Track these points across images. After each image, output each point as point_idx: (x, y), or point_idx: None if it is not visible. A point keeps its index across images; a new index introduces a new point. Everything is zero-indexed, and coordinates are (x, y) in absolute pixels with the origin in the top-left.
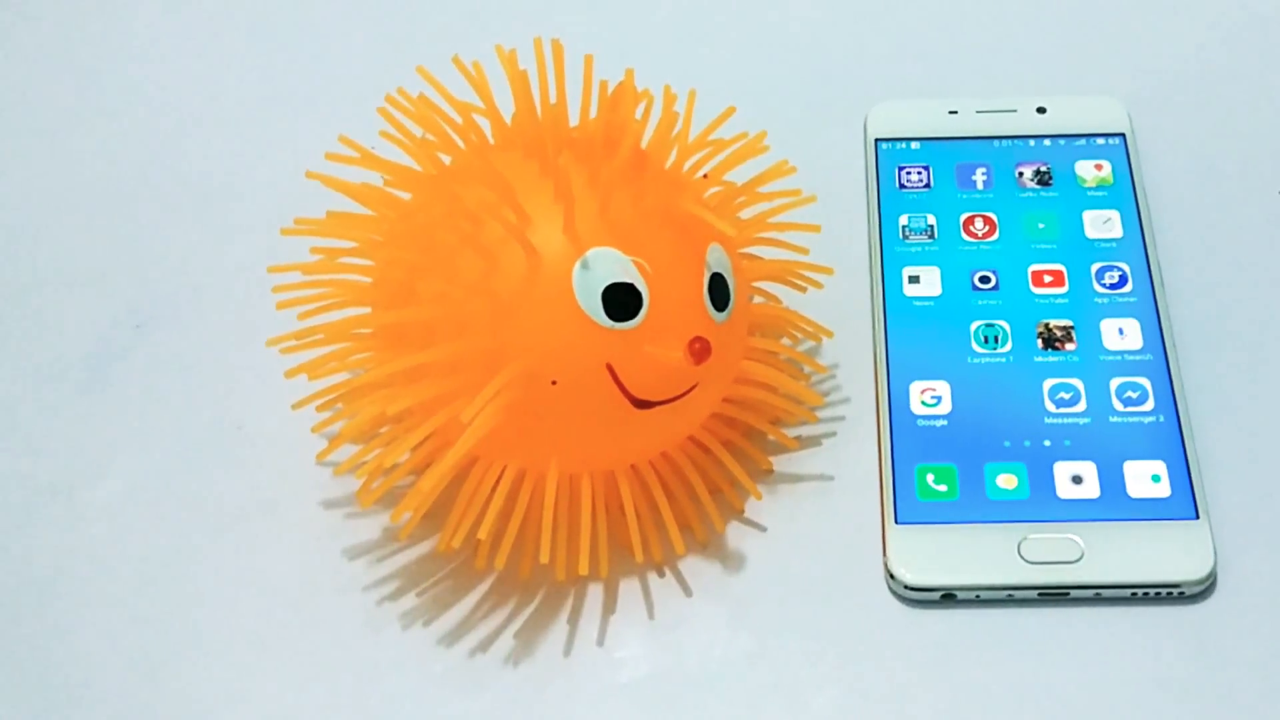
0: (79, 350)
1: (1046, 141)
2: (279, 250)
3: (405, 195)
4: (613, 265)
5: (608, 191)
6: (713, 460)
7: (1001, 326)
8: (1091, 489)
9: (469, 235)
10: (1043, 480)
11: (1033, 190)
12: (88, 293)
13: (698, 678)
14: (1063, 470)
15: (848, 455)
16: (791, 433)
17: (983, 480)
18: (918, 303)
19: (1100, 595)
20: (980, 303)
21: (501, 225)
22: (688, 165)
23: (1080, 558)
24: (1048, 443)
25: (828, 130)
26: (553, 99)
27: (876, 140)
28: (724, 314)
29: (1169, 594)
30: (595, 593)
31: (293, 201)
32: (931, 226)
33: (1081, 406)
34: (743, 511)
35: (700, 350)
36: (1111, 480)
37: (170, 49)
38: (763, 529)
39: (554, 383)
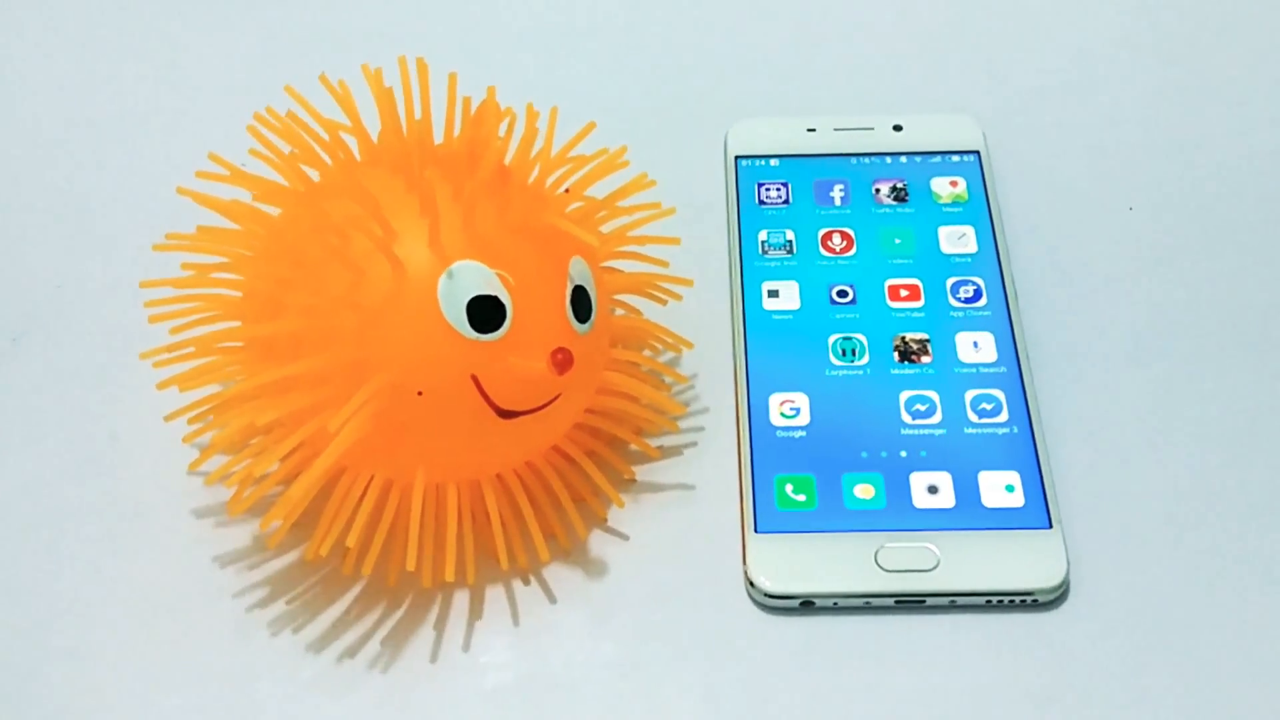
0: None
1: (903, 159)
2: (151, 265)
3: (274, 211)
4: (477, 278)
5: (471, 206)
6: (576, 469)
7: (859, 340)
8: (947, 499)
9: (336, 249)
10: (899, 490)
11: (889, 206)
12: None
13: (562, 683)
14: (919, 480)
15: (708, 465)
16: (653, 442)
17: (840, 490)
18: (777, 316)
19: (955, 603)
20: (838, 316)
21: (368, 239)
22: (550, 180)
23: (936, 566)
24: (904, 453)
25: (689, 148)
26: (418, 116)
27: (736, 157)
28: (586, 325)
29: (1023, 601)
30: (461, 599)
31: (164, 217)
32: (790, 242)
33: (937, 418)
34: (606, 520)
35: (563, 361)
36: (966, 490)
37: (42, 65)
38: (625, 537)
39: (420, 393)
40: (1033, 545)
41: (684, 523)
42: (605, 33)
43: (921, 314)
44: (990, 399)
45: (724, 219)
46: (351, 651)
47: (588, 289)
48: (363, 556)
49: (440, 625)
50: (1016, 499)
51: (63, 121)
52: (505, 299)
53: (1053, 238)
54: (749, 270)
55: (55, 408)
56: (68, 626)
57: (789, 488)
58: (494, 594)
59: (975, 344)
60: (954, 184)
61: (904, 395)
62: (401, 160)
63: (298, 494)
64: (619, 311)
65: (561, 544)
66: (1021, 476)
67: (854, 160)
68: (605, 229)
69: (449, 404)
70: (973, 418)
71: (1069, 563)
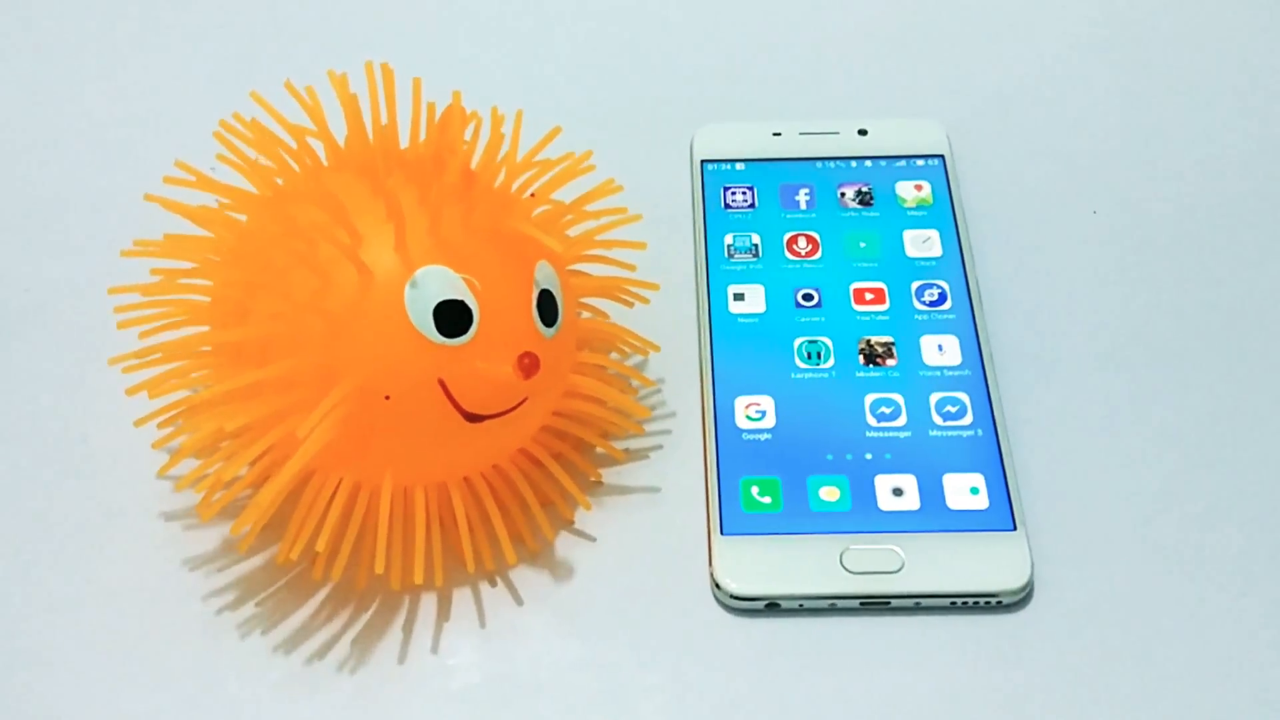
0: None
1: (868, 163)
2: (120, 271)
3: (241, 217)
4: (443, 283)
5: (437, 210)
6: (543, 472)
7: (824, 343)
8: (912, 501)
9: (303, 255)
10: (864, 492)
11: (854, 210)
12: None
13: (529, 684)
14: (884, 483)
15: (674, 467)
16: (620, 445)
17: (806, 492)
18: (742, 319)
19: (920, 604)
20: (803, 320)
21: (334, 245)
22: (516, 185)
23: (901, 568)
24: (869, 456)
25: (655, 151)
26: (384, 121)
27: (702, 161)
28: (552, 329)
29: (987, 603)
30: (429, 602)
31: (132, 223)
32: (756, 245)
33: (902, 421)
34: (572, 522)
35: (529, 365)
36: (931, 492)
37: (9, 69)
38: (592, 539)
39: (387, 398)
40: (997, 547)
41: (650, 525)
42: (571, 37)
43: (886, 317)
44: (955, 401)
45: (690, 222)
46: (320, 653)
47: (554, 293)
48: (332, 559)
49: (408, 627)
50: (981, 501)
51: (31, 126)
52: (472, 303)
53: (1017, 241)
54: (715, 273)
55: (25, 412)
56: (38, 629)
57: (754, 490)
58: (461, 596)
59: (940, 347)
60: (919, 188)
61: (869, 398)
62: (367, 165)
63: (266, 499)
64: (585, 315)
65: (529, 546)
66: (986, 479)
67: (819, 164)
68: (572, 232)
69: (416, 408)
70: (937, 420)
71: (1033, 565)
